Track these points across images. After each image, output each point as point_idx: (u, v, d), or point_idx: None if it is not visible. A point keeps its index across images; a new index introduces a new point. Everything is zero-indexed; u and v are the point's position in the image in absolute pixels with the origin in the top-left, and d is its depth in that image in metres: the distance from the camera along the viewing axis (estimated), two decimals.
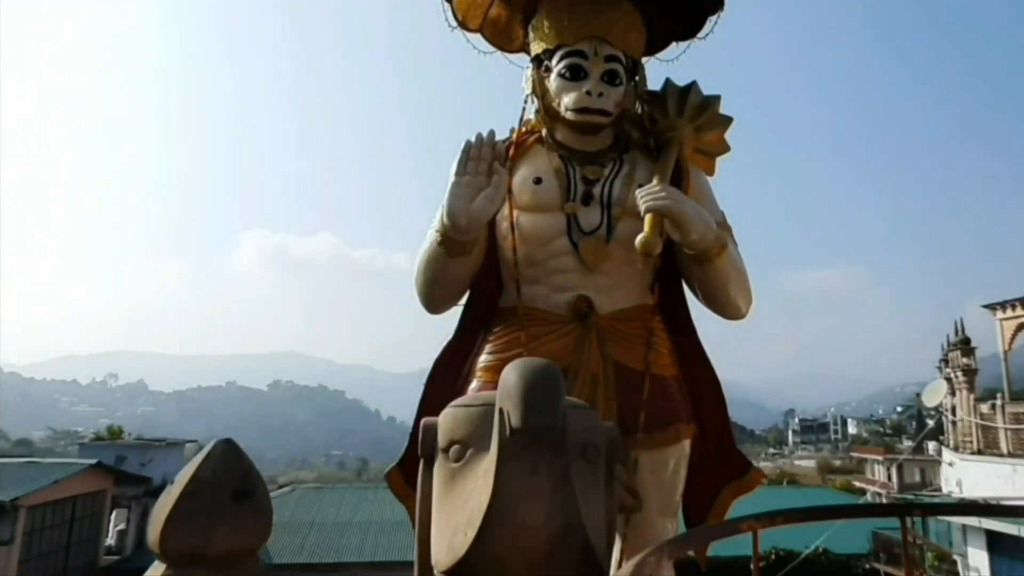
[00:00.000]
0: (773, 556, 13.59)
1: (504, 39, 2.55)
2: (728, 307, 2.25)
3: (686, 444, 2.18)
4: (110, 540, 19.11)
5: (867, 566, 15.73)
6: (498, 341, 2.17)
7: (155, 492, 20.15)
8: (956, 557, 14.34)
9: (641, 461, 2.05)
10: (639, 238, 1.95)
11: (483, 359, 2.18)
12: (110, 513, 19.02)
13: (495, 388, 2.12)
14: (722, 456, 2.31)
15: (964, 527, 13.60)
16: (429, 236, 2.15)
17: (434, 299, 2.27)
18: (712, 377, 2.32)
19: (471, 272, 2.22)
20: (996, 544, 12.70)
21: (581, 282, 2.13)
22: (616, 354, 2.10)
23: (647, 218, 1.98)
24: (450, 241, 2.06)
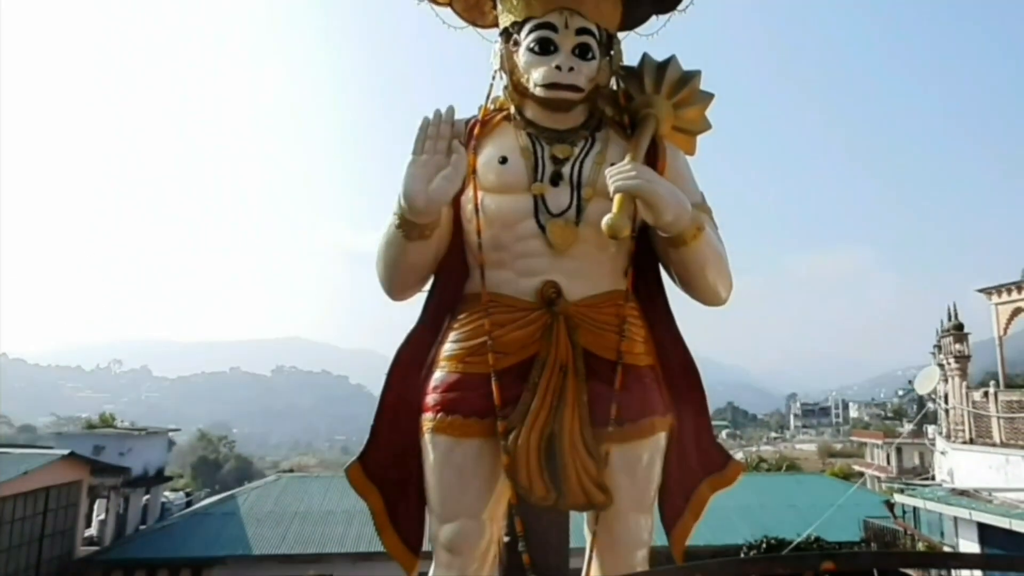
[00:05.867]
0: (764, 544, 13.60)
1: (476, 13, 2.42)
2: (706, 292, 2.13)
3: (661, 437, 2.08)
4: (92, 531, 18.89)
5: None
6: (462, 329, 2.07)
7: (133, 482, 19.82)
8: (947, 548, 14.33)
9: (613, 455, 1.95)
10: (606, 219, 1.84)
11: (447, 348, 2.08)
12: (91, 504, 18.77)
13: (460, 377, 2.05)
14: (700, 449, 2.21)
15: (955, 519, 13.55)
16: (388, 219, 2.03)
17: (395, 284, 2.15)
18: (691, 366, 2.21)
19: (433, 256, 2.11)
20: (988, 536, 12.65)
21: (549, 267, 2.02)
22: (586, 342, 1.99)
23: (616, 199, 1.87)
24: (408, 224, 1.96)
